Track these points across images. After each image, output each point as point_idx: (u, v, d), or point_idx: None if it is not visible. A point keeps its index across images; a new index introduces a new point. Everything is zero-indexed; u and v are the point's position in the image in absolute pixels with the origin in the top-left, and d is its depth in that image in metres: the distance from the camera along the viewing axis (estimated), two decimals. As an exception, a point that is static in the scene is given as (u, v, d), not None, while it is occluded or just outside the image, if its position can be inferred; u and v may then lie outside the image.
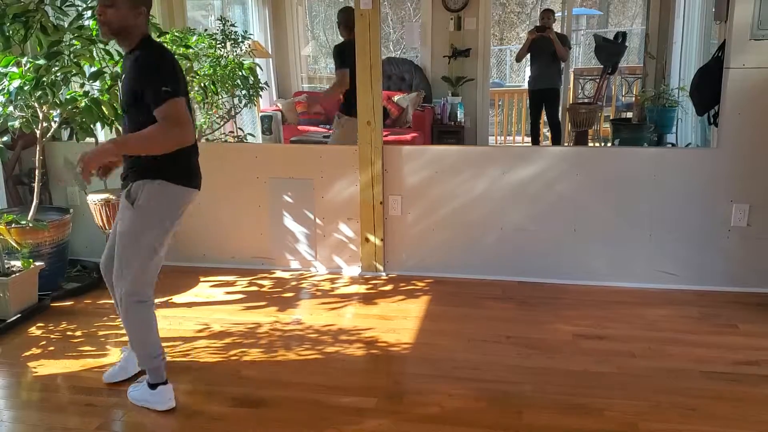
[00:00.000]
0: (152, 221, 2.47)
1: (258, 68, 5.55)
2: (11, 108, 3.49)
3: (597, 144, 7.44)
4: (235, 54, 5.58)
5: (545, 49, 6.55)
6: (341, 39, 4.59)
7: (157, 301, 3.59)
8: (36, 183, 3.76)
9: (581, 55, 11.52)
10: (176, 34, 4.54)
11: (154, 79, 2.31)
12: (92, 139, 3.84)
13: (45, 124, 3.68)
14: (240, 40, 5.72)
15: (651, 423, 2.41)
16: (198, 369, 2.89)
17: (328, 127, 6.33)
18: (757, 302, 3.48)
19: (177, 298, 3.69)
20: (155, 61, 2.39)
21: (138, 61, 2.39)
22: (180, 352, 3.04)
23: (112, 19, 2.35)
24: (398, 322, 3.34)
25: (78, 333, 3.26)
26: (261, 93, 5.38)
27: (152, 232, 2.47)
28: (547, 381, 2.73)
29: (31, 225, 3.51)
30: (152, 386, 2.57)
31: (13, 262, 3.49)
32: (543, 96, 6.79)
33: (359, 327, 3.29)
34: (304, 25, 8.92)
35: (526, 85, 7.46)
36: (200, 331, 3.27)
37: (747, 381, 2.71)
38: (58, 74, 3.41)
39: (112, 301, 3.61)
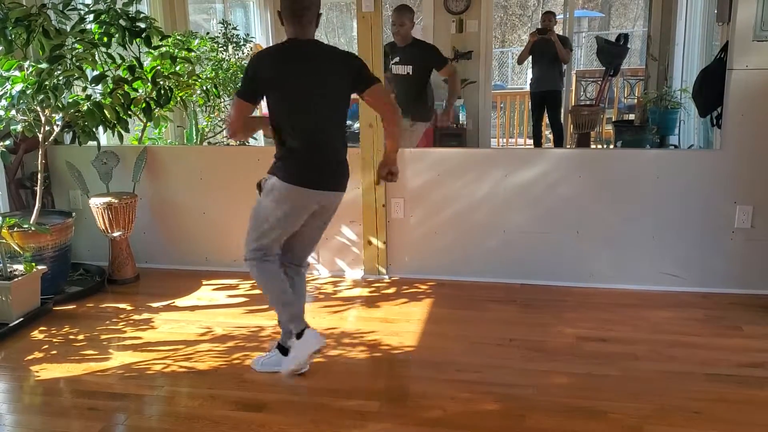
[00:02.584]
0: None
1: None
2: (14, 112, 3.49)
3: (599, 146, 7.43)
4: (237, 57, 5.60)
5: (547, 51, 6.54)
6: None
7: (159, 304, 3.64)
8: (38, 187, 3.76)
9: (583, 57, 11.51)
10: (178, 37, 4.54)
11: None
12: (94, 143, 3.85)
13: (47, 128, 3.69)
14: (242, 43, 5.74)
15: (655, 426, 2.40)
16: (200, 373, 2.89)
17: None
18: (761, 304, 3.46)
19: (179, 302, 3.69)
20: None
21: None
22: (182, 355, 3.04)
23: None
24: (401, 325, 3.33)
25: (80, 337, 3.26)
26: (263, 96, 5.37)
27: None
28: (551, 384, 2.72)
29: (33, 229, 3.51)
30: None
31: (15, 266, 3.49)
32: (545, 98, 6.78)
33: (362, 330, 3.28)
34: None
35: (527, 88, 7.45)
36: (203, 334, 3.26)
37: (752, 383, 2.69)
38: (61, 78, 3.41)
39: (115, 305, 3.63)
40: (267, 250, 2.73)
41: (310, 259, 4.07)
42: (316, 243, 2.93)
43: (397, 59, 4.37)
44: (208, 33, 5.87)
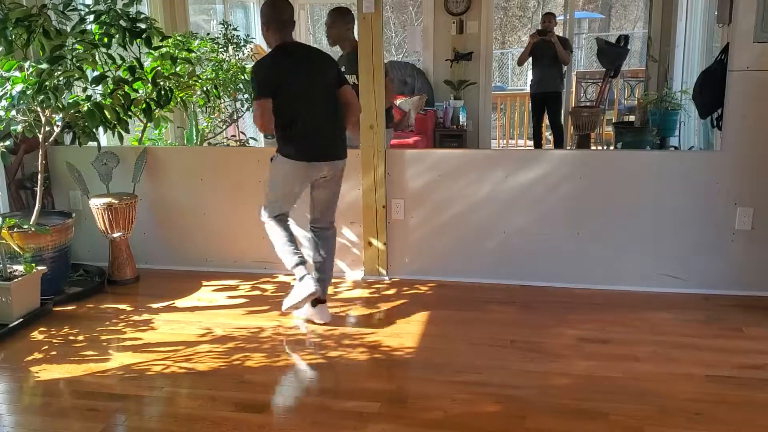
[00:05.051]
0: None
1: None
2: (14, 112, 3.48)
3: (600, 147, 7.44)
4: (237, 58, 5.60)
5: (547, 52, 6.55)
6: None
7: (159, 305, 3.64)
8: (38, 187, 3.75)
9: (583, 59, 11.53)
10: (179, 38, 4.55)
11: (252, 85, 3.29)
12: (94, 143, 3.85)
13: (47, 129, 3.68)
14: (242, 44, 5.74)
15: (656, 427, 2.40)
16: (200, 374, 2.88)
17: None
18: (761, 306, 3.46)
19: (179, 303, 3.69)
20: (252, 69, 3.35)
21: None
22: (182, 356, 3.03)
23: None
24: (401, 326, 3.32)
25: (80, 337, 3.26)
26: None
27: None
28: (551, 385, 2.72)
29: (33, 229, 3.51)
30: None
31: (15, 267, 3.48)
32: (545, 99, 6.79)
33: (362, 331, 3.28)
34: (305, 28, 8.94)
35: (528, 89, 7.47)
36: (203, 335, 3.26)
37: (752, 385, 2.69)
38: (61, 78, 3.41)
39: (115, 306, 3.63)
40: (278, 211, 3.32)
41: (311, 261, 4.08)
42: (333, 206, 3.43)
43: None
44: (208, 34, 5.87)
